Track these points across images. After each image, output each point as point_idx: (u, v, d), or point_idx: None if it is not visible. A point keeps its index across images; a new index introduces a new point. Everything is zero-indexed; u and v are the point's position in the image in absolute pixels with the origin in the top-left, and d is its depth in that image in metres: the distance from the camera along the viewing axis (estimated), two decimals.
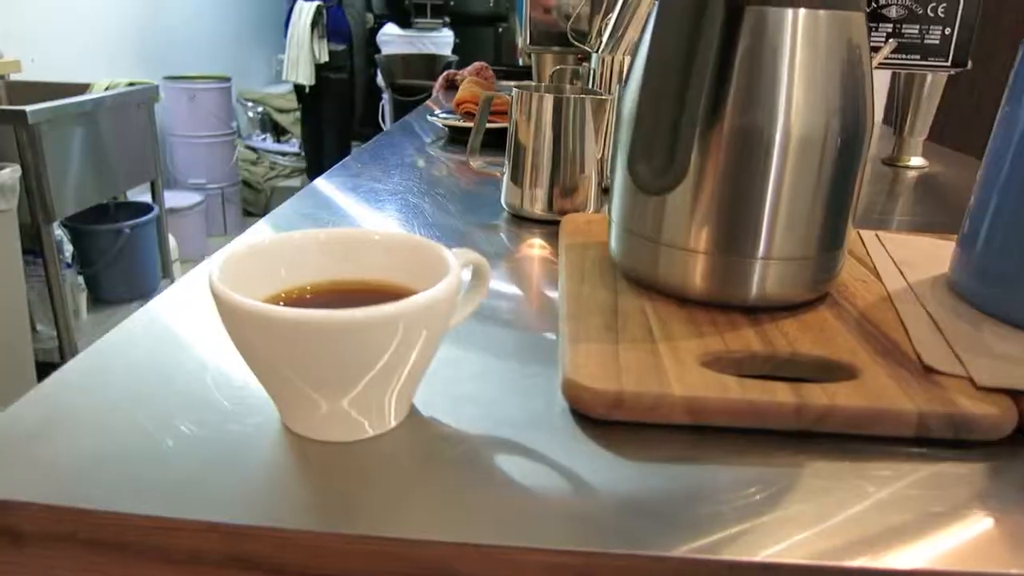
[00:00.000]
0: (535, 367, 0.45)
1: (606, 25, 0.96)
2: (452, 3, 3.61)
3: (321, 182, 0.86)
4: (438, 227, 0.72)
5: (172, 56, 3.68)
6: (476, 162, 0.78)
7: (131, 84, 2.42)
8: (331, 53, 3.60)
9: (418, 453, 0.36)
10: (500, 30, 3.95)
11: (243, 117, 4.25)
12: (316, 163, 3.84)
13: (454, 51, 3.71)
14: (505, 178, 0.75)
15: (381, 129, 3.94)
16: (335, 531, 0.31)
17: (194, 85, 3.44)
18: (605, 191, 0.75)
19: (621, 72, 0.82)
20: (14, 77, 2.43)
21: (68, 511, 0.32)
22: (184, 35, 3.85)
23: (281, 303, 0.38)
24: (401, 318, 0.33)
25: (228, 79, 3.58)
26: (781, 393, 0.39)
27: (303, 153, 4.04)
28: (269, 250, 0.38)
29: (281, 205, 0.76)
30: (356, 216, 0.75)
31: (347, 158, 1.00)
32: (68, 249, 2.24)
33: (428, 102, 1.52)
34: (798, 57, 0.46)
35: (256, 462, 0.35)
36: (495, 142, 0.98)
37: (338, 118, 3.71)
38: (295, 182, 4.09)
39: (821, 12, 0.46)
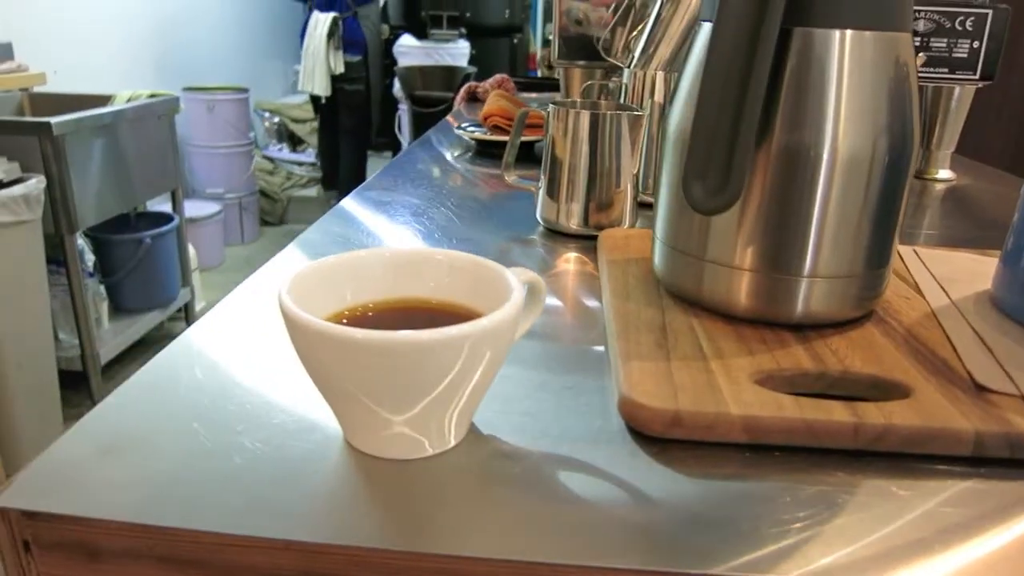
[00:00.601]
0: (587, 383, 0.45)
1: (634, 40, 0.97)
2: (468, 14, 3.63)
3: (349, 201, 0.86)
4: (474, 242, 0.73)
5: (190, 67, 3.72)
6: (511, 177, 0.78)
7: (152, 95, 2.45)
8: (346, 64, 3.63)
9: (481, 470, 0.37)
10: (515, 41, 3.96)
11: (259, 127, 4.29)
12: (332, 173, 3.86)
13: (469, 62, 3.73)
14: (541, 193, 0.75)
15: (397, 140, 3.96)
16: (407, 549, 0.31)
17: (212, 96, 3.47)
18: (640, 205, 0.75)
19: (653, 87, 0.82)
20: (36, 89, 2.46)
21: (145, 528, 0.32)
22: (202, 46, 3.88)
23: (344, 321, 0.38)
24: (467, 340, 0.33)
25: (246, 90, 3.61)
26: (838, 412, 0.39)
27: (319, 163, 4.07)
28: (334, 268, 0.39)
29: (311, 227, 0.75)
30: (389, 234, 0.76)
31: (375, 174, 1.01)
32: (90, 258, 2.27)
33: (449, 116, 1.53)
34: (845, 77, 0.46)
35: (321, 479, 0.36)
36: (523, 155, 0.99)
37: (354, 128, 3.73)
38: (311, 192, 4.11)
39: (867, 33, 0.46)
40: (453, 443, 0.38)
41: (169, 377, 0.44)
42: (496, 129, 1.14)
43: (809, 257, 0.48)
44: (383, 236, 0.74)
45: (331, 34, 3.54)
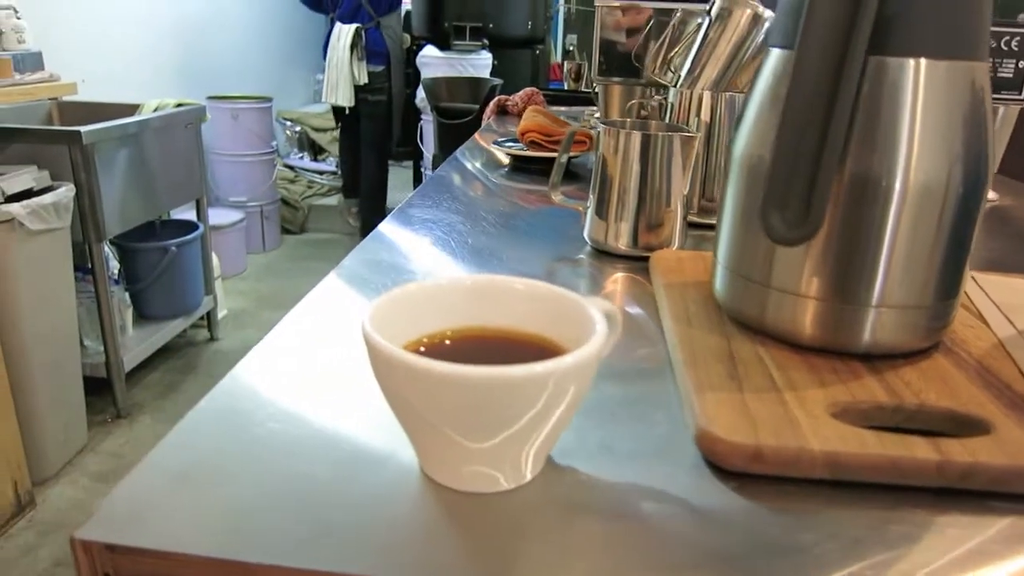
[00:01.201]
0: (657, 410, 0.45)
1: (677, 58, 0.96)
2: (491, 25, 3.64)
3: (388, 225, 0.83)
4: (521, 262, 0.72)
5: (215, 76, 3.74)
6: (557, 196, 0.78)
7: (179, 105, 2.46)
8: (369, 75, 3.64)
9: (561, 504, 0.36)
10: (537, 52, 3.96)
11: (281, 136, 4.31)
12: (353, 182, 3.87)
13: (491, 73, 3.73)
14: (589, 212, 0.75)
15: (419, 150, 3.97)
16: None
17: (236, 105, 3.49)
18: (690, 226, 0.75)
19: (699, 106, 0.82)
20: (64, 98, 2.48)
21: (225, 563, 0.32)
22: (226, 55, 3.91)
23: (422, 348, 0.38)
24: (551, 376, 0.33)
25: (269, 99, 3.63)
26: (921, 449, 0.38)
27: (340, 172, 4.08)
28: (414, 295, 0.38)
29: (352, 251, 0.73)
30: (437, 255, 0.75)
31: (413, 193, 1.00)
32: (115, 266, 2.28)
33: (476, 134, 1.52)
34: (920, 107, 0.45)
35: (400, 512, 0.35)
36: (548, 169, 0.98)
37: (376, 138, 3.74)
38: (332, 200, 4.13)
39: (943, 62, 0.46)
40: (529, 477, 0.38)
41: (235, 404, 0.44)
42: (533, 145, 1.14)
43: (878, 287, 0.48)
44: (431, 258, 0.74)
45: (354, 45, 3.55)
